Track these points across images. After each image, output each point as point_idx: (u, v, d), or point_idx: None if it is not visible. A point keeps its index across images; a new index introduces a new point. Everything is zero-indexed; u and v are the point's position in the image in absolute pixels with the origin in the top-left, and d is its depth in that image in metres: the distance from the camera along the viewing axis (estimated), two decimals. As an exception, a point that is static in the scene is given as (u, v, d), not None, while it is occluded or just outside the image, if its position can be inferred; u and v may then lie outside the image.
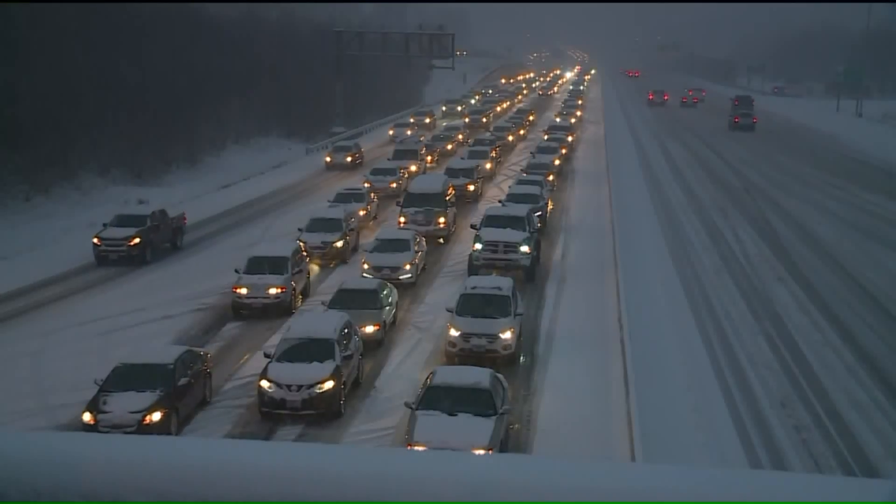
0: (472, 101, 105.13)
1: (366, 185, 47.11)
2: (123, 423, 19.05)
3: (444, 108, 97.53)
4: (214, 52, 68.05)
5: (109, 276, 33.18)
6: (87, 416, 19.38)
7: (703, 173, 62.75)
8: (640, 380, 21.62)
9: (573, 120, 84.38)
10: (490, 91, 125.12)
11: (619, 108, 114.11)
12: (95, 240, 34.32)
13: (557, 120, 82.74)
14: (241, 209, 46.27)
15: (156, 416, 19.47)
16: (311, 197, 48.94)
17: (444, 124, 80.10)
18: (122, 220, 35.09)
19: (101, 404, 19.53)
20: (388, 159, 55.65)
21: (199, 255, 36.98)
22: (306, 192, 51.08)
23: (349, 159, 58.36)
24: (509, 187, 45.27)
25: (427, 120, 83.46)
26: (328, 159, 58.80)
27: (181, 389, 20.45)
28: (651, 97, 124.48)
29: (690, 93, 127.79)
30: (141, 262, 34.43)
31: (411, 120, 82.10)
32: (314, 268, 34.08)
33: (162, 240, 36.30)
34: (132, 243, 34.27)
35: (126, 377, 20.21)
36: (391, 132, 74.96)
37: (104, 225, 34.97)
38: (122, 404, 19.50)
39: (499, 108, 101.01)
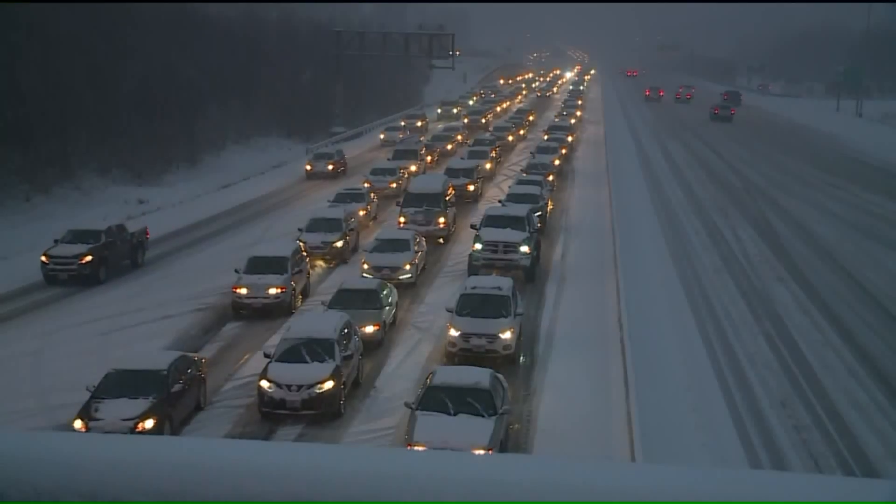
0: (470, 103, 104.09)
1: (366, 185, 47.10)
2: (115, 430, 18.51)
3: (439, 111, 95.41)
4: (214, 52, 68.05)
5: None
6: (78, 424, 18.89)
7: (702, 173, 62.77)
8: (639, 380, 21.62)
9: (573, 120, 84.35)
10: (487, 91, 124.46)
11: (619, 108, 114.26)
12: (43, 258, 31.48)
13: (557, 120, 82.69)
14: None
15: (148, 424, 19.05)
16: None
17: (441, 126, 78.63)
18: (75, 236, 32.30)
19: (93, 411, 19.10)
20: (388, 159, 55.58)
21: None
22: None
23: (331, 167, 55.19)
24: (509, 187, 45.25)
25: (419, 123, 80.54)
26: (308, 167, 55.54)
27: (175, 396, 20.10)
28: (647, 93, 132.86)
29: (682, 89, 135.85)
30: (94, 282, 31.61)
31: (402, 123, 78.67)
32: (320, 263, 34.16)
33: (120, 257, 33.33)
34: (84, 261, 31.35)
35: (118, 383, 19.78)
36: (382, 136, 72.94)
37: (55, 241, 32.24)
38: (115, 411, 19.05)
39: (498, 109, 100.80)
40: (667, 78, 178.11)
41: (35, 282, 31.88)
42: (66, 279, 31.38)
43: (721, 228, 43.62)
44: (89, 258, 31.55)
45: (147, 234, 35.57)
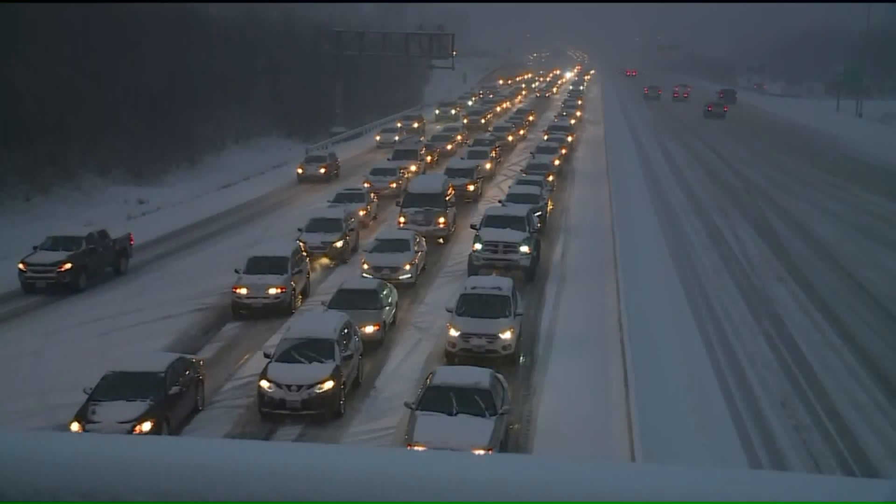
0: (469, 104, 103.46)
1: (366, 185, 47.12)
2: (112, 433, 18.07)
3: (437, 112, 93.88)
4: (214, 53, 68.06)
5: (108, 277, 33.17)
6: (74, 426, 18.71)
7: (702, 173, 62.78)
8: (639, 380, 21.62)
9: (573, 121, 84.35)
10: (486, 92, 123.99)
11: (619, 108, 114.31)
12: (21, 265, 30.50)
13: (557, 120, 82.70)
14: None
15: (146, 427, 18.85)
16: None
17: (439, 128, 77.84)
18: (55, 243, 31.27)
19: (90, 414, 18.90)
20: (388, 159, 55.58)
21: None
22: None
23: (323, 171, 54.02)
24: (509, 187, 45.27)
25: (415, 125, 79.25)
26: (300, 171, 54.41)
27: (172, 398, 19.93)
28: (646, 91, 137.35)
29: (677, 88, 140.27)
30: (73, 291, 30.58)
31: (398, 125, 76.99)
32: (323, 262, 34.25)
33: (101, 264, 32.27)
34: (62, 269, 30.31)
35: (116, 386, 19.58)
36: (378, 138, 71.73)
37: (34, 248, 31.32)
38: (111, 414, 18.83)
39: (498, 109, 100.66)
40: (666, 78, 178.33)
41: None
42: (44, 287, 30.35)
43: (721, 228, 43.62)
44: (68, 266, 30.51)
45: (131, 240, 34.37)
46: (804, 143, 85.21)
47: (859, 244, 41.19)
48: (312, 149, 65.05)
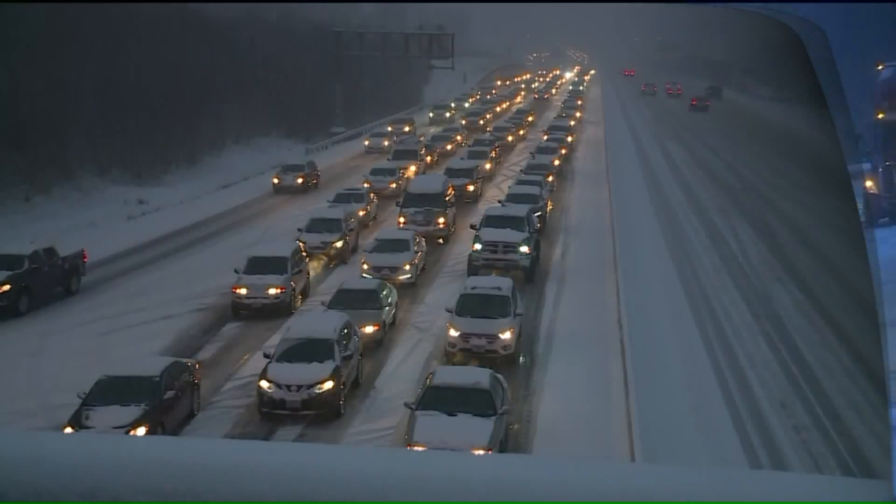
0: (466, 105, 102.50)
1: (365, 185, 47.12)
2: None
3: (430, 115, 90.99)
4: (214, 53, 68.06)
5: (109, 276, 33.17)
6: (68, 432, 18.40)
7: (702, 173, 62.78)
8: (639, 380, 21.62)
9: (573, 122, 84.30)
10: (483, 94, 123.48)
11: (619, 108, 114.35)
12: None
13: (556, 121, 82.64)
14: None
15: (140, 432, 18.60)
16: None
17: (433, 130, 76.55)
18: None
19: (84, 419, 18.69)
20: (388, 159, 55.54)
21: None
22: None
23: (300, 181, 51.12)
24: (509, 187, 45.26)
25: (406, 128, 75.81)
26: (276, 181, 51.28)
27: (168, 403, 19.70)
28: (643, 88, 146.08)
29: (668, 85, 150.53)
30: (11, 314, 27.87)
31: (389, 129, 73.86)
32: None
33: (48, 284, 29.53)
34: (0, 291, 27.81)
35: (110, 390, 19.32)
36: (367, 143, 68.47)
37: None
38: (106, 419, 18.57)
39: (498, 109, 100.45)
40: (664, 76, 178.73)
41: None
42: None
43: (721, 228, 43.62)
44: (6, 287, 27.84)
45: (84, 257, 31.62)
46: (803, 143, 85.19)
47: (858, 244, 41.14)
48: (312, 149, 64.86)
